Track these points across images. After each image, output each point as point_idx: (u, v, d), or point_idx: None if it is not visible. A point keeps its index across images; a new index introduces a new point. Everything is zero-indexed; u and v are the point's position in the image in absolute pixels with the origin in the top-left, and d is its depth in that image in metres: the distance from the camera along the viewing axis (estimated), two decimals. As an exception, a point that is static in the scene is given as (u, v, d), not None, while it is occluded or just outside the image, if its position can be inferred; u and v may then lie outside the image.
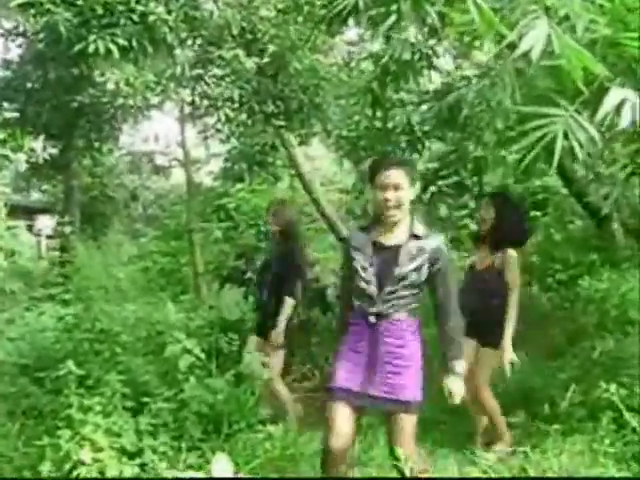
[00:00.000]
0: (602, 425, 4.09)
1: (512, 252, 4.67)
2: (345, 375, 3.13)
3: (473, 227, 9.52)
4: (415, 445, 3.19)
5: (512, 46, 3.52)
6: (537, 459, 3.96)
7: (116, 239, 14.33)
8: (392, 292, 3.05)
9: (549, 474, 3.77)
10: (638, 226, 7.86)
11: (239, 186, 12.52)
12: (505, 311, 4.54)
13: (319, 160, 18.08)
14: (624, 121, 3.02)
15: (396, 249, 3.08)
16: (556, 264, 6.88)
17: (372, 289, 3.07)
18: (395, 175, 3.05)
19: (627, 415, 3.89)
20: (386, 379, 3.10)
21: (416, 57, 5.54)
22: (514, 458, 4.10)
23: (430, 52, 5.55)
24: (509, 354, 4.50)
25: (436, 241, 3.13)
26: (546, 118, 3.32)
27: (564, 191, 8.70)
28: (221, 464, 1.62)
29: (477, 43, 6.17)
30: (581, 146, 3.25)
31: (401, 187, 3.04)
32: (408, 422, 3.13)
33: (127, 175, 20.58)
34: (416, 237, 3.10)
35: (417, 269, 3.05)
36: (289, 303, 5.08)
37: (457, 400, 3.19)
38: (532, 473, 3.85)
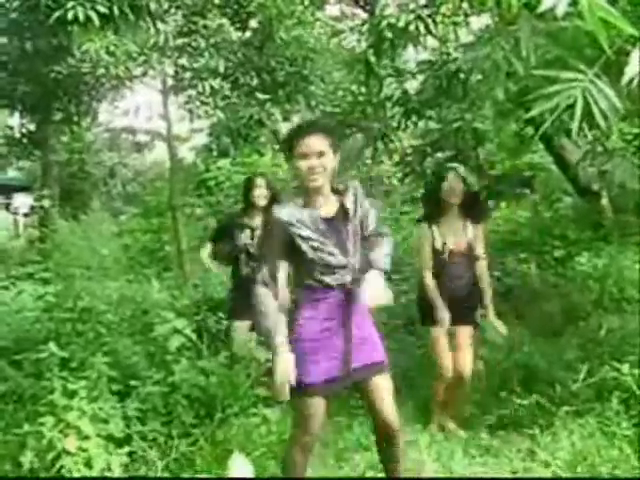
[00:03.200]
0: (611, 406, 3.93)
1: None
2: (324, 365, 2.84)
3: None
4: None
5: (529, 7, 3.32)
6: (546, 441, 3.81)
7: (96, 217, 13.99)
8: (354, 253, 2.93)
9: (560, 456, 3.61)
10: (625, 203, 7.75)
11: (222, 162, 12.27)
12: (481, 283, 4.47)
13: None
14: (652, 86, 2.80)
15: (341, 214, 2.95)
16: (554, 241, 6.72)
17: (340, 259, 2.88)
18: (318, 142, 2.87)
19: (642, 396, 3.74)
20: (361, 347, 2.90)
21: (412, 25, 5.32)
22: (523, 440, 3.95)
23: (428, 19, 5.33)
24: (495, 320, 4.47)
25: (353, 188, 3.01)
26: (562, 83, 3.11)
27: (552, 168, 8.55)
28: (240, 466, 1.44)
29: (475, 9, 5.98)
30: (603, 114, 3.05)
31: (325, 154, 2.88)
32: (388, 381, 2.97)
33: (105, 152, 20.20)
34: (339, 193, 2.99)
35: (360, 221, 2.98)
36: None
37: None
38: (542, 456, 3.70)
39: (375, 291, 2.83)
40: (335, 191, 2.99)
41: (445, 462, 3.75)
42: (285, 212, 2.91)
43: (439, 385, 4.44)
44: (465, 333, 4.43)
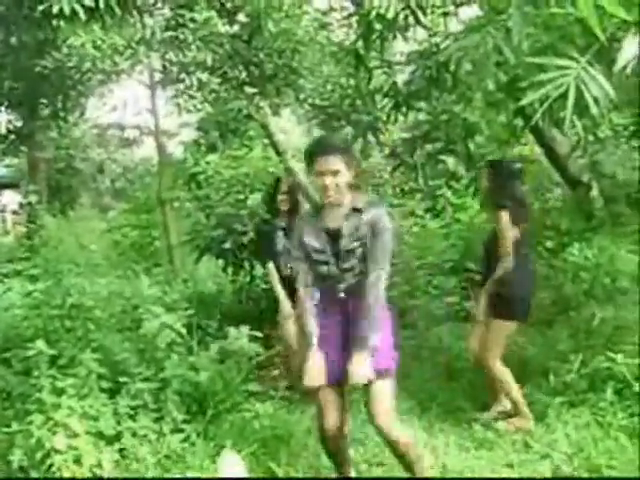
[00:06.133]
0: (605, 397, 3.91)
1: (501, 214, 4.32)
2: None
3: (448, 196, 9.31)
4: (395, 415, 3.12)
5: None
6: (541, 433, 3.79)
7: (84, 213, 13.89)
8: (349, 268, 3.11)
9: (555, 447, 3.59)
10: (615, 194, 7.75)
11: (211, 156, 12.18)
12: None
13: (289, 132, 17.80)
14: (647, 71, 2.78)
15: (339, 229, 3.12)
16: (546, 231, 6.69)
17: (332, 269, 3.13)
18: (332, 161, 3.05)
19: (637, 386, 3.72)
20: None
21: (402, 15, 5.27)
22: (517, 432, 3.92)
23: (417, 9, 5.28)
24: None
25: (375, 211, 3.12)
26: (555, 71, 3.08)
27: (542, 159, 8.53)
28: (230, 463, 1.39)
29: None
30: (596, 101, 3.02)
31: (339, 173, 3.05)
32: (385, 389, 3.06)
33: (94, 148, 20.06)
34: (358, 211, 3.12)
35: (360, 240, 3.09)
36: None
37: (361, 380, 2.99)
38: (537, 447, 3.68)
39: (358, 369, 2.97)
40: (355, 208, 3.12)
41: (440, 455, 3.72)
42: (302, 222, 3.24)
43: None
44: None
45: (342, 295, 3.13)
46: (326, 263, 3.13)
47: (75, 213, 13.22)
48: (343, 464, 3.32)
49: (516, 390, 4.13)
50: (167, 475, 3.47)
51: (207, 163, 12.37)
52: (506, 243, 4.23)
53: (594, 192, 7.78)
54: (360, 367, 2.95)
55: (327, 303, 3.17)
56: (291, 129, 19.29)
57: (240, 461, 1.69)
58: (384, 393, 3.04)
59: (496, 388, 4.32)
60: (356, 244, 3.07)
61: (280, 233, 5.04)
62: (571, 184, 7.86)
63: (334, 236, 3.12)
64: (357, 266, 3.09)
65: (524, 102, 3.19)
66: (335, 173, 3.03)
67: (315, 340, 3.09)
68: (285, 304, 4.91)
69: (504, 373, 4.17)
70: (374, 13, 4.95)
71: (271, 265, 5.03)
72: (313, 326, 3.12)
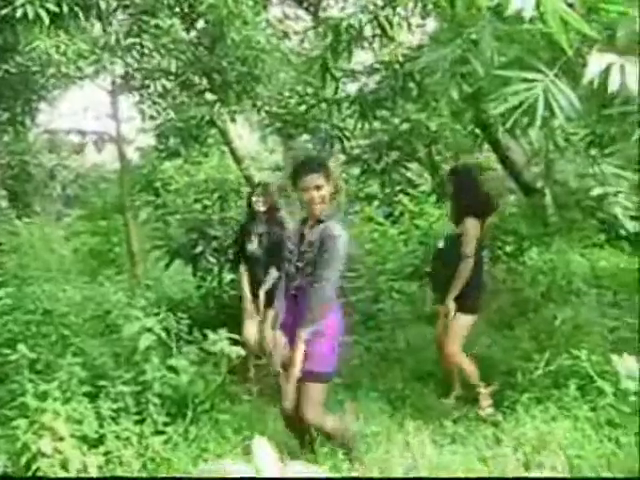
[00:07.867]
0: (569, 392, 4.11)
1: (470, 221, 4.69)
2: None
3: (405, 203, 9.49)
4: (323, 411, 3.49)
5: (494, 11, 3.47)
6: (510, 427, 3.96)
7: (38, 219, 13.66)
8: (300, 268, 3.55)
9: (524, 442, 3.76)
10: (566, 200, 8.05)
11: (168, 163, 12.15)
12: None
13: (243, 138, 17.78)
14: (613, 85, 2.97)
15: (305, 235, 3.60)
16: (506, 236, 6.93)
17: (291, 268, 3.61)
18: (315, 178, 3.51)
19: (600, 381, 3.92)
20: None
21: (368, 27, 5.45)
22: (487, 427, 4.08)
23: (384, 21, 5.46)
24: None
25: (328, 222, 3.52)
26: (522, 84, 3.27)
27: (497, 167, 8.79)
28: (263, 450, 1.45)
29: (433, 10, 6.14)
30: (562, 112, 3.22)
31: (321, 187, 3.51)
32: (315, 390, 3.43)
33: (44, 154, 19.68)
34: (321, 221, 3.54)
35: (312, 246, 3.52)
36: (273, 275, 5.16)
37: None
38: (506, 441, 3.85)
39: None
40: (319, 219, 3.54)
41: (415, 452, 3.84)
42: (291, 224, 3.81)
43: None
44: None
45: (292, 292, 3.59)
46: (289, 261, 3.62)
47: (30, 219, 12.97)
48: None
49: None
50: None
51: (162, 172, 12.36)
52: (471, 245, 4.62)
53: (547, 199, 8.07)
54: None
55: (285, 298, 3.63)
56: (246, 136, 19.30)
57: (270, 445, 1.75)
58: (310, 396, 3.40)
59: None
60: (308, 249, 3.51)
61: (253, 238, 5.29)
62: (525, 191, 8.14)
63: (301, 240, 3.59)
64: (306, 268, 3.52)
65: (496, 111, 3.37)
66: (318, 188, 3.50)
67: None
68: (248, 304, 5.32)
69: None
70: (345, 23, 5.11)
71: (243, 268, 5.37)
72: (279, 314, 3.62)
